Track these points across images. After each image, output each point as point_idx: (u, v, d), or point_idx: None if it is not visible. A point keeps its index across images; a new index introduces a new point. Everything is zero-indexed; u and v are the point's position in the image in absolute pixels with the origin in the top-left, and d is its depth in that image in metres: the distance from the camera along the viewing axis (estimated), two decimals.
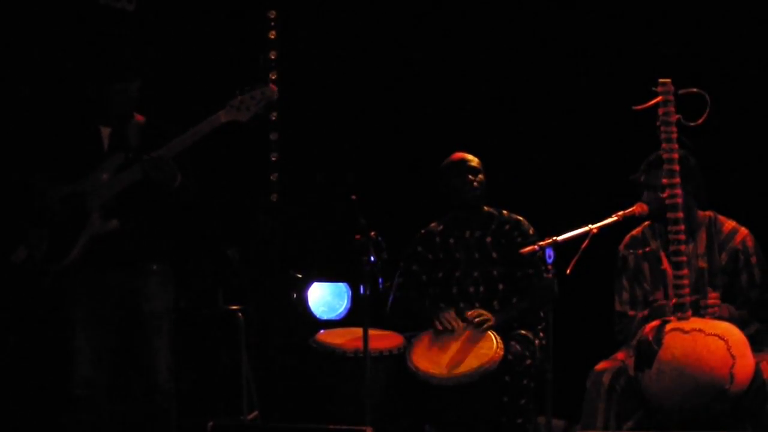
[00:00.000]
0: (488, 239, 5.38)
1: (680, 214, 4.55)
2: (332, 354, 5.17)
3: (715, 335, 4.41)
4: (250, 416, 5.78)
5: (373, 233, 4.91)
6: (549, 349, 4.51)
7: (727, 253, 4.74)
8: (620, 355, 4.73)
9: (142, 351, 4.79)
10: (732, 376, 4.35)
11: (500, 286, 5.32)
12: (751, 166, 5.75)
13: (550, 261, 4.40)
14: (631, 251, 4.86)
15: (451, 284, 5.35)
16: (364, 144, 6.53)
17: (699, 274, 4.69)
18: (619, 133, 5.73)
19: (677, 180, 4.55)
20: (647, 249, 4.83)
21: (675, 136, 4.53)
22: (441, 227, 5.48)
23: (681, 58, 5.69)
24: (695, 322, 4.48)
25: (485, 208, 5.44)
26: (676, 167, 4.55)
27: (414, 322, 5.36)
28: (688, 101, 4.53)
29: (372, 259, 4.87)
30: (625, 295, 4.85)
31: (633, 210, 4.66)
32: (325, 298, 6.32)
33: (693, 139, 4.59)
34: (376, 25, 6.53)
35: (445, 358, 5.02)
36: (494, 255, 5.35)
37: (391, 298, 5.47)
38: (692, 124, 4.51)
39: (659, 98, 4.53)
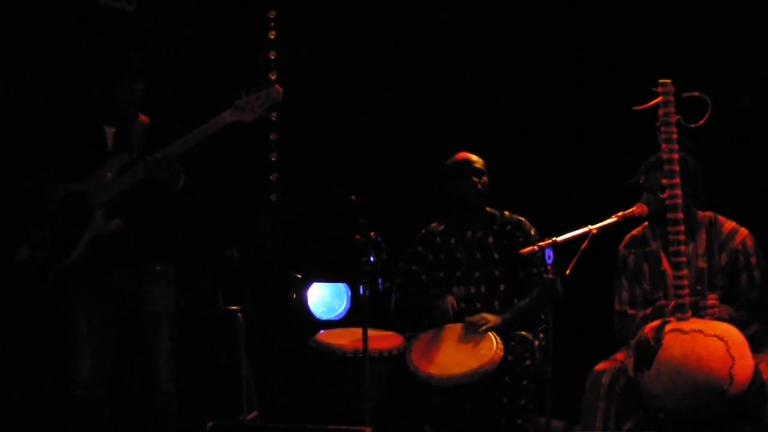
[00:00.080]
0: (490, 239, 5.38)
1: (680, 215, 4.55)
2: (332, 354, 5.17)
3: (714, 336, 4.41)
4: (250, 416, 5.78)
5: (372, 233, 4.91)
6: (549, 349, 4.51)
7: (726, 254, 4.74)
8: (620, 355, 4.73)
9: (143, 352, 4.79)
10: (731, 377, 4.35)
11: (501, 287, 5.32)
12: (751, 167, 5.75)
13: (549, 262, 4.40)
14: (632, 251, 4.86)
15: (452, 284, 5.35)
16: (364, 144, 6.52)
17: (699, 275, 4.69)
18: (619, 134, 5.73)
19: (677, 180, 4.55)
20: (647, 249, 4.83)
21: (675, 136, 4.53)
22: (442, 227, 5.48)
23: (681, 58, 5.69)
24: (695, 323, 4.48)
25: (487, 208, 5.44)
26: (676, 167, 4.54)
27: (415, 321, 5.36)
28: (689, 102, 4.52)
29: (371, 259, 4.87)
30: (625, 295, 4.85)
31: (632, 211, 4.66)
32: (325, 298, 6.31)
33: (693, 140, 4.59)
34: (376, 25, 6.53)
35: (445, 358, 5.02)
36: (496, 255, 5.35)
37: (393, 299, 5.47)
38: (693, 125, 4.51)
39: (659, 99, 4.53)
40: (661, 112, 4.53)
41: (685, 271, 4.54)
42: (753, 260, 4.73)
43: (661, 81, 4.54)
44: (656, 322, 4.53)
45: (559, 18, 6.20)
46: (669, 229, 4.57)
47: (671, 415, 4.45)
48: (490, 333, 5.07)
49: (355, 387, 4.98)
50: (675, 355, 4.41)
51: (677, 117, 4.51)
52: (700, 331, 4.43)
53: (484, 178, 5.36)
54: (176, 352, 4.85)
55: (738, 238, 4.75)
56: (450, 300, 5.24)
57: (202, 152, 4.80)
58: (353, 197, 4.97)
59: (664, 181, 4.57)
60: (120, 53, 4.78)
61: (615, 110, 5.25)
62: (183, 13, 6.18)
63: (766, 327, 4.68)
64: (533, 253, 4.47)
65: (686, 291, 4.52)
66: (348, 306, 6.29)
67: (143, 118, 4.85)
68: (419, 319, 5.38)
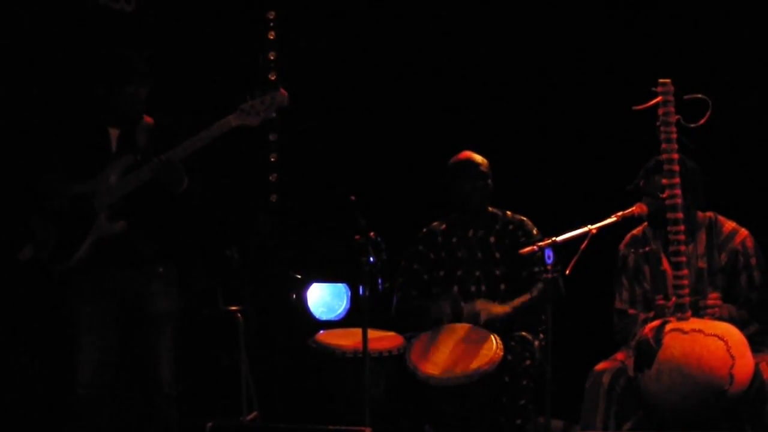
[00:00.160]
0: (492, 239, 5.38)
1: (680, 215, 4.55)
2: (332, 354, 5.16)
3: (714, 336, 4.41)
4: (250, 417, 5.78)
5: (372, 233, 4.91)
6: (548, 349, 4.51)
7: (726, 254, 4.74)
8: (620, 355, 4.73)
9: (145, 353, 4.80)
10: (731, 376, 4.35)
11: (502, 286, 5.32)
12: (751, 167, 5.75)
13: (549, 261, 4.40)
14: (632, 250, 4.86)
15: (453, 283, 5.35)
16: (364, 144, 6.52)
17: (699, 275, 4.69)
18: (619, 134, 5.73)
19: (677, 180, 4.55)
20: (648, 249, 4.83)
21: (675, 136, 4.53)
22: (444, 226, 5.48)
23: (681, 58, 5.69)
24: (695, 323, 4.48)
25: (489, 208, 5.44)
26: (676, 167, 4.54)
27: (416, 321, 5.36)
28: (688, 102, 4.52)
29: (371, 259, 4.87)
30: (625, 294, 4.85)
31: (632, 210, 4.66)
32: (325, 298, 6.31)
33: (693, 140, 4.59)
34: (375, 25, 6.53)
35: (445, 358, 5.02)
36: (497, 255, 5.35)
37: (395, 299, 5.47)
38: (692, 125, 4.51)
39: (659, 98, 4.53)
40: (660, 111, 4.53)
41: (685, 271, 4.54)
42: (753, 261, 4.73)
43: (661, 81, 4.54)
44: (656, 322, 4.53)
45: (559, 18, 6.20)
46: (669, 228, 4.57)
47: (671, 414, 4.45)
48: (490, 333, 5.07)
49: (355, 387, 4.97)
50: (675, 354, 4.41)
51: (677, 117, 4.51)
52: (700, 331, 4.43)
53: (489, 180, 5.37)
54: (176, 353, 4.85)
55: (738, 239, 4.75)
56: (445, 307, 5.22)
57: (202, 152, 4.80)
58: (353, 197, 4.96)
59: (664, 181, 4.56)
60: (124, 57, 4.77)
61: (615, 110, 5.25)
62: (182, 13, 6.18)
63: (766, 327, 4.68)
64: (533, 252, 4.48)
65: (686, 291, 4.52)
66: (348, 306, 6.29)
67: (147, 119, 4.85)
68: (419, 321, 5.37)
